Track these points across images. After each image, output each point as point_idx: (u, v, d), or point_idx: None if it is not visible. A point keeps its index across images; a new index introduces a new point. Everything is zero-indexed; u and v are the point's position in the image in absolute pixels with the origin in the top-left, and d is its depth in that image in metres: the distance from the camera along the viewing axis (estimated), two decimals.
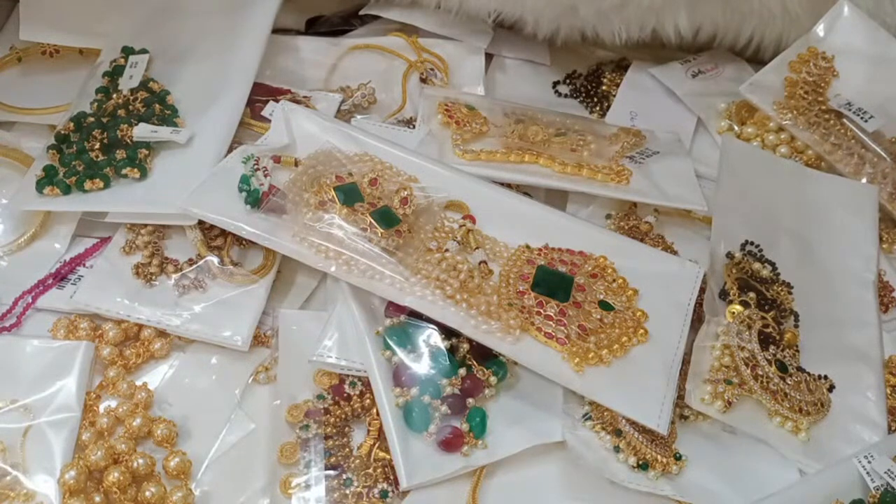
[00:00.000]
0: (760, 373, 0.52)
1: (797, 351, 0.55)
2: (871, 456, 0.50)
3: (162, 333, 0.55)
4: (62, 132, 0.62)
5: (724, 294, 0.56)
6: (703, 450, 0.52)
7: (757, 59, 0.74)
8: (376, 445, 0.51)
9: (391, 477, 0.49)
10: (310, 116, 0.62)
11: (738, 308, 0.55)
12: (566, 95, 0.75)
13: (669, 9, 0.69)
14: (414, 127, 0.66)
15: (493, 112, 0.65)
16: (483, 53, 0.74)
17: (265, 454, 0.50)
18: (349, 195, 0.55)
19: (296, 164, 0.58)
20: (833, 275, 0.60)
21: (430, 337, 0.52)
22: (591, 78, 0.75)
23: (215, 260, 0.56)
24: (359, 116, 0.68)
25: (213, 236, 0.58)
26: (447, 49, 0.73)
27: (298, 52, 0.73)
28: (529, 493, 0.50)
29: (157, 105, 0.63)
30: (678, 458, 0.51)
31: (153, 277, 0.56)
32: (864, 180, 0.66)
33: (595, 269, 0.56)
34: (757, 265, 0.58)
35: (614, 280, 0.56)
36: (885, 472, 0.49)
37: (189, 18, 0.69)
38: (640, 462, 0.50)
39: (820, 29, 0.71)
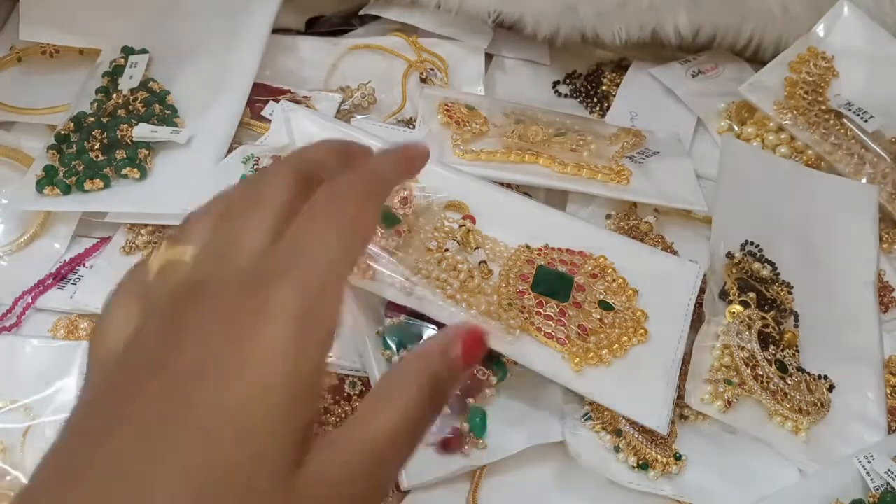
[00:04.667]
0: (760, 373, 0.52)
1: (797, 351, 0.55)
2: (871, 456, 0.50)
3: None
4: (62, 132, 0.62)
5: (724, 294, 0.56)
6: (702, 450, 0.52)
7: (757, 60, 0.74)
8: None
9: None
10: (310, 116, 0.62)
11: (738, 308, 0.55)
12: (566, 95, 0.75)
13: (669, 9, 0.69)
14: (414, 127, 0.66)
15: (493, 112, 0.65)
16: (483, 53, 0.73)
17: None
18: None
19: None
20: (833, 275, 0.60)
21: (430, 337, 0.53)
22: (591, 78, 0.75)
23: None
24: (359, 116, 0.68)
25: None
26: (447, 49, 0.73)
27: (298, 52, 0.73)
28: (529, 492, 0.51)
29: (157, 105, 0.63)
30: (678, 458, 0.51)
31: None
32: (864, 180, 0.66)
33: (595, 269, 0.56)
34: (757, 265, 0.58)
35: (614, 280, 0.56)
36: (886, 473, 0.49)
37: (189, 18, 0.69)
38: (640, 462, 0.50)
39: (820, 29, 0.71)
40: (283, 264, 0.29)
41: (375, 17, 0.75)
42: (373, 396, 0.30)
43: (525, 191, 0.62)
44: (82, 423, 0.27)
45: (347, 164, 0.35)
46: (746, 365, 0.52)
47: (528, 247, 0.57)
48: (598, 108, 0.73)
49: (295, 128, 0.61)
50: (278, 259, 0.30)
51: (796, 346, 0.55)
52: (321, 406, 0.29)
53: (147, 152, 0.60)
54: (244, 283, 0.29)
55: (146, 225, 0.59)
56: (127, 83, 0.65)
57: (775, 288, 0.57)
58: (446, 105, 0.65)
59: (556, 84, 0.75)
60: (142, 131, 0.60)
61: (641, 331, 0.54)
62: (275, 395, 0.27)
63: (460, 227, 0.57)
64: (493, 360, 0.52)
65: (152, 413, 0.26)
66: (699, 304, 0.56)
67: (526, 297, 0.53)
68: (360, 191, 0.32)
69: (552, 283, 0.54)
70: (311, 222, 0.31)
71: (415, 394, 0.30)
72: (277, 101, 0.65)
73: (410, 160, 0.37)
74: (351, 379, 0.52)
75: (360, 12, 0.75)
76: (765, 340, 0.54)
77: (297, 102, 0.65)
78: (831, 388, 0.54)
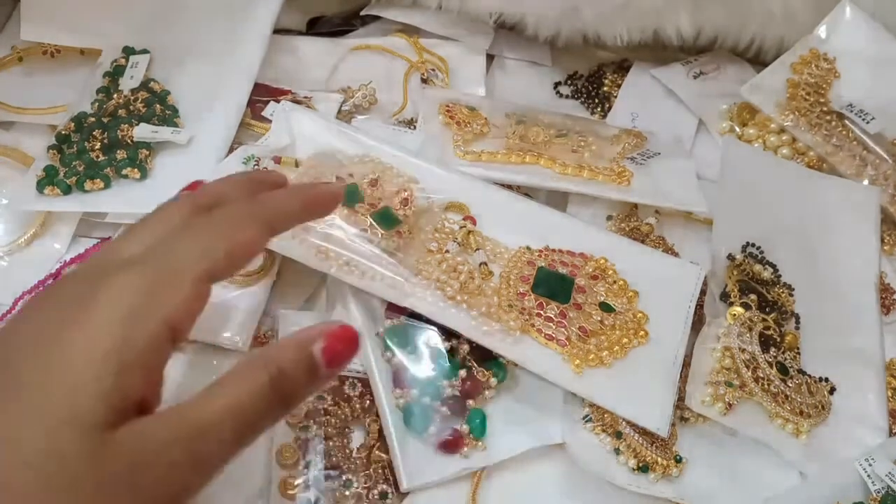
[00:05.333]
0: (761, 375, 0.52)
1: (798, 353, 0.55)
2: (872, 459, 0.50)
3: None
4: (63, 132, 0.62)
5: (724, 296, 0.56)
6: (703, 452, 0.52)
7: (759, 61, 0.74)
8: (376, 447, 0.51)
9: (391, 478, 0.49)
10: (310, 117, 0.62)
11: (738, 310, 0.55)
12: (567, 96, 0.75)
13: (671, 11, 0.69)
14: (415, 128, 0.66)
15: (493, 113, 0.65)
16: (484, 54, 0.73)
17: (264, 455, 0.50)
18: (349, 196, 0.55)
19: (296, 165, 0.58)
20: (834, 277, 0.60)
21: (430, 338, 0.52)
22: (593, 79, 0.75)
23: None
24: (359, 117, 0.68)
25: None
26: (448, 50, 0.73)
27: (299, 52, 0.73)
28: (529, 494, 0.50)
29: (158, 105, 0.63)
30: (678, 460, 0.51)
31: None
32: (865, 182, 0.65)
33: (596, 270, 0.56)
34: (758, 267, 0.58)
35: (615, 282, 0.56)
36: (886, 475, 0.49)
37: (190, 19, 0.69)
38: (641, 464, 0.50)
39: (822, 30, 0.70)
40: (143, 258, 0.33)
41: (376, 18, 0.75)
42: (216, 381, 0.32)
43: (526, 192, 0.62)
44: None
45: (252, 195, 0.39)
46: (747, 367, 0.52)
47: (528, 248, 0.57)
48: (599, 109, 0.73)
49: (295, 128, 0.61)
50: (141, 254, 0.33)
51: (797, 349, 0.55)
52: (158, 387, 0.31)
53: (147, 152, 0.60)
54: (102, 269, 0.32)
55: None
56: (128, 83, 0.65)
57: (776, 290, 0.57)
58: (447, 106, 0.65)
59: (557, 85, 0.75)
60: (142, 132, 0.60)
61: (642, 332, 0.53)
62: (97, 363, 0.29)
63: (461, 228, 0.57)
64: (493, 362, 0.52)
65: None
66: (700, 306, 0.56)
67: (526, 298, 0.53)
68: (240, 214, 0.35)
69: (553, 284, 0.54)
70: (182, 231, 0.34)
71: (250, 386, 0.31)
72: (278, 101, 0.65)
73: (317, 199, 0.40)
74: (351, 380, 0.52)
75: (362, 13, 0.75)
76: (766, 342, 0.54)
77: (298, 103, 0.65)
78: (832, 390, 0.54)
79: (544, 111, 0.67)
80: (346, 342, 0.34)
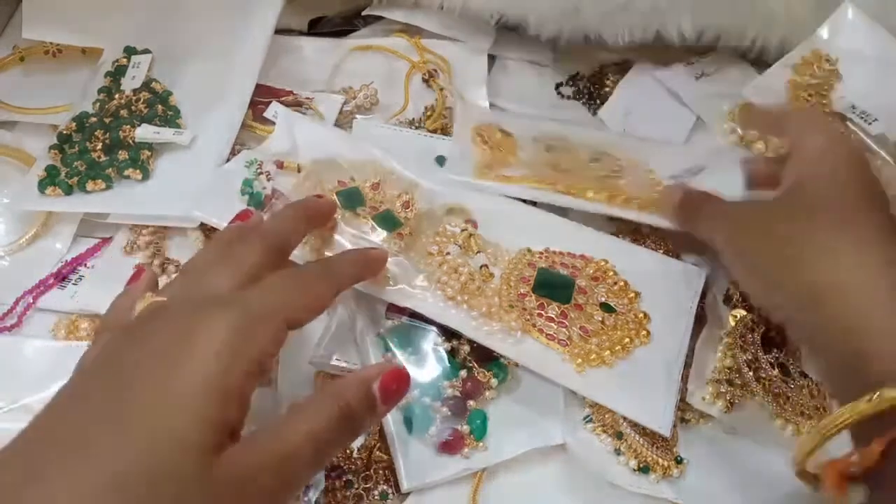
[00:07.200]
0: (763, 375, 0.52)
1: (800, 356, 0.55)
2: None
3: None
4: (64, 132, 0.62)
5: (728, 299, 0.56)
6: (704, 453, 0.52)
7: (761, 62, 0.74)
8: (377, 447, 0.51)
9: (391, 479, 0.49)
10: (312, 122, 0.62)
11: (741, 311, 0.55)
12: (569, 97, 0.74)
13: (673, 11, 0.69)
14: (416, 128, 0.66)
15: (523, 136, 0.63)
16: (486, 54, 0.73)
17: None
18: (351, 199, 0.55)
19: (298, 170, 0.58)
20: None
21: (430, 339, 0.52)
22: (594, 80, 0.75)
23: None
24: (360, 117, 0.68)
25: None
26: (450, 50, 0.73)
27: (301, 52, 0.73)
28: (529, 494, 0.50)
29: (160, 106, 0.63)
30: (679, 461, 0.51)
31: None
32: None
33: (597, 272, 0.56)
34: None
35: (615, 283, 0.56)
36: None
37: (192, 19, 0.69)
38: (641, 465, 0.50)
39: (824, 31, 0.70)
40: (233, 299, 0.37)
41: (378, 18, 0.75)
42: (292, 410, 0.36)
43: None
44: (32, 427, 0.33)
45: (314, 226, 0.48)
46: (749, 367, 0.52)
47: (529, 250, 0.57)
48: (600, 110, 0.73)
49: (297, 133, 0.61)
50: (231, 295, 0.37)
51: (799, 352, 0.55)
52: (245, 416, 0.36)
53: (149, 153, 0.60)
54: (197, 305, 0.36)
55: (148, 226, 0.59)
56: (129, 83, 0.65)
57: None
58: (480, 129, 0.63)
59: (558, 86, 0.75)
60: (144, 132, 0.60)
61: (644, 332, 0.53)
62: (204, 394, 0.32)
63: (462, 231, 0.57)
64: (494, 363, 0.52)
65: (92, 407, 0.32)
66: (701, 308, 0.56)
67: (527, 299, 0.53)
68: (318, 275, 0.42)
69: (553, 285, 0.54)
70: (268, 280, 0.39)
71: (324, 418, 0.35)
72: (280, 102, 0.65)
73: (368, 262, 0.49)
74: None
75: (363, 13, 0.75)
76: (768, 344, 0.54)
77: (300, 104, 0.65)
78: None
79: (577, 132, 0.65)
80: (398, 381, 0.39)
